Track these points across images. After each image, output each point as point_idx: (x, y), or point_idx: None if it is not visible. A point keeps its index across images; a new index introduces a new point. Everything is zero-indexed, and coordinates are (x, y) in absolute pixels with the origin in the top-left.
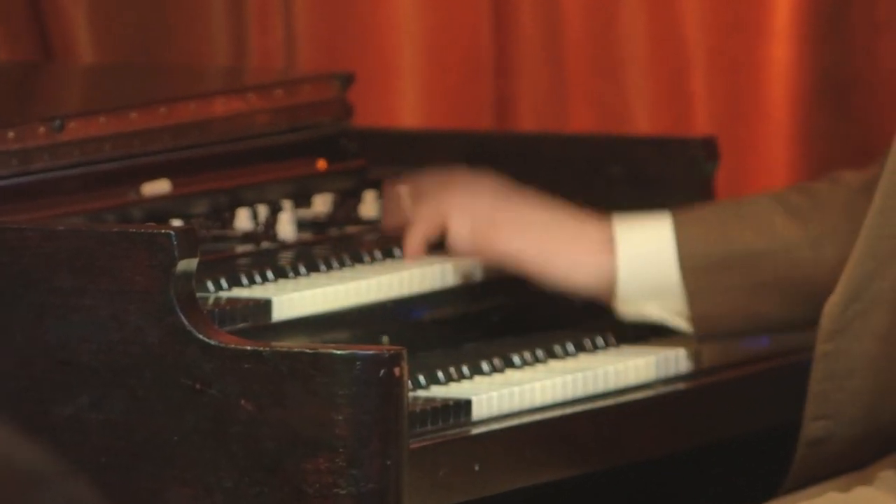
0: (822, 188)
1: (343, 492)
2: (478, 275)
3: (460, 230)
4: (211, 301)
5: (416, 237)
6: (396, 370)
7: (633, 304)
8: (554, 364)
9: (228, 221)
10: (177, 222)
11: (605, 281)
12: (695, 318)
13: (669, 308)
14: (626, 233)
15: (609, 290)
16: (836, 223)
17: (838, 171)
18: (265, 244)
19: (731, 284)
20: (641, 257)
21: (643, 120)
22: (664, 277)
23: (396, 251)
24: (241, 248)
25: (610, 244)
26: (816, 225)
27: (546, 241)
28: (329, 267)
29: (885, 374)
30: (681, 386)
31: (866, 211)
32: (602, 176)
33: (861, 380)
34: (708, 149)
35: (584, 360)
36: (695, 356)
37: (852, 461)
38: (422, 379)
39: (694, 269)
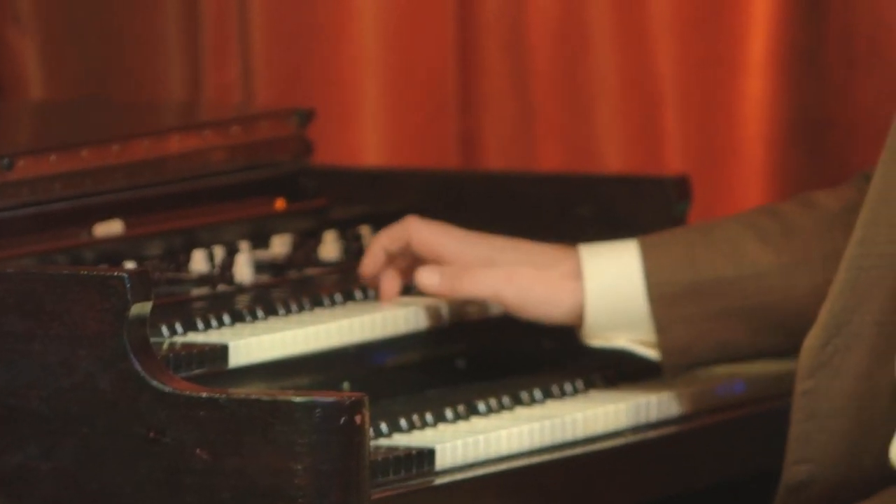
0: (794, 211)
1: None
2: (443, 318)
3: (431, 272)
4: (165, 346)
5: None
6: (357, 418)
7: (601, 333)
8: (521, 411)
9: (183, 263)
10: (130, 264)
11: (577, 311)
12: (663, 348)
13: (638, 338)
14: (592, 262)
15: (578, 319)
16: (809, 250)
17: (810, 193)
18: (221, 287)
19: (699, 313)
20: (608, 287)
21: (614, 158)
22: (632, 307)
23: (357, 294)
24: (196, 292)
25: (577, 275)
26: (788, 252)
27: (518, 275)
28: (288, 311)
29: (867, 414)
30: (652, 434)
31: (839, 236)
32: (571, 216)
33: (843, 419)
34: (680, 188)
35: (551, 406)
36: (667, 403)
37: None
38: (384, 427)
39: (662, 298)
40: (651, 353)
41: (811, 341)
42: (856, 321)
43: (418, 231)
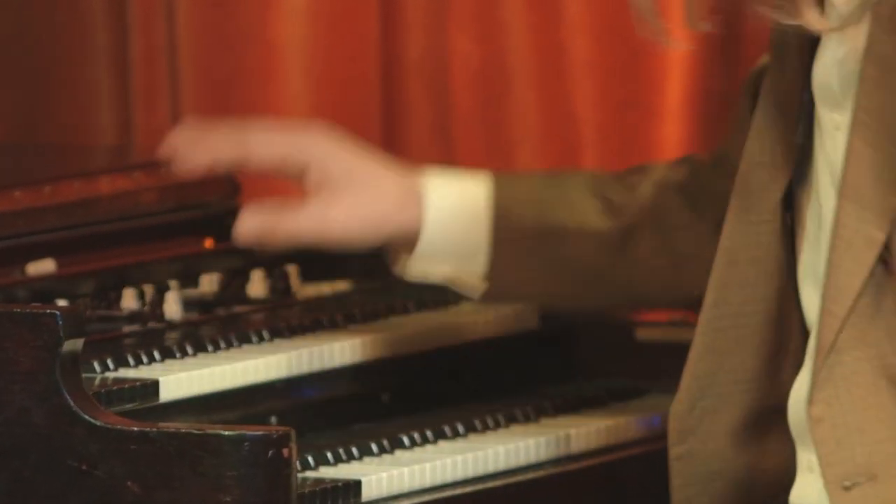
0: (639, 182)
1: None
2: (369, 354)
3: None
4: (97, 381)
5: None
6: (285, 451)
7: (429, 261)
8: (444, 444)
9: (115, 301)
10: (62, 302)
11: (405, 235)
12: (491, 281)
13: (466, 269)
14: (438, 188)
15: (406, 244)
16: (645, 223)
17: (649, 165)
18: (152, 324)
19: (536, 255)
20: (452, 216)
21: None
22: (471, 237)
23: (284, 331)
24: (127, 329)
25: (418, 197)
26: (627, 219)
27: (371, 197)
28: (217, 347)
29: (746, 474)
30: (572, 466)
31: (672, 207)
32: None
33: (723, 482)
34: None
35: (474, 440)
36: (585, 436)
37: None
38: (311, 460)
39: (505, 231)
40: (471, 284)
41: (677, 406)
42: (720, 381)
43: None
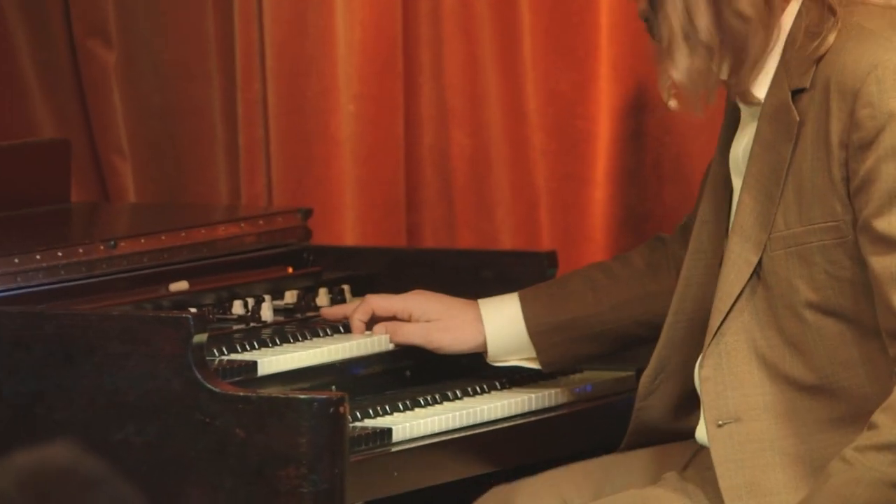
0: (616, 267)
1: (305, 491)
2: (391, 344)
3: (380, 327)
4: (216, 362)
5: (357, 318)
6: (341, 409)
7: (500, 358)
8: (447, 404)
9: (227, 309)
10: (193, 309)
11: (481, 345)
12: (542, 363)
13: (525, 358)
14: (488, 311)
15: (483, 349)
16: (626, 294)
17: (625, 253)
18: (252, 324)
19: (561, 339)
20: (500, 327)
21: (507, 241)
22: (517, 340)
23: (340, 329)
24: (236, 327)
25: (479, 320)
26: (614, 296)
27: (433, 329)
28: (296, 339)
29: (680, 413)
30: (532, 419)
31: (647, 282)
32: (479, 278)
33: (664, 421)
34: (550, 259)
35: (467, 401)
36: (541, 399)
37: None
38: (358, 414)
39: (537, 332)
40: (534, 366)
41: (645, 377)
42: (672, 363)
43: (376, 302)
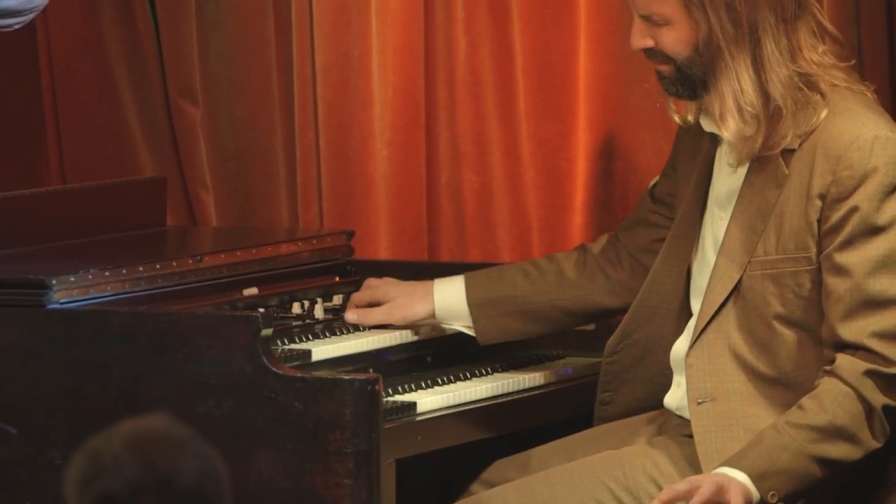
0: (544, 262)
1: (349, 451)
2: (420, 335)
3: (350, 312)
4: (279, 351)
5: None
6: (377, 387)
7: (447, 322)
8: (459, 383)
9: (288, 309)
10: (261, 310)
11: (430, 312)
12: (476, 331)
13: (465, 326)
14: (438, 286)
15: (433, 317)
16: (549, 283)
17: (555, 254)
18: (307, 321)
19: (493, 312)
20: (447, 298)
21: (507, 256)
22: (460, 309)
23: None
24: (295, 323)
25: (430, 294)
26: (542, 282)
27: (396, 307)
28: (341, 333)
29: (638, 375)
30: (525, 395)
31: (563, 276)
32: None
33: (629, 380)
34: None
35: (474, 381)
36: (531, 379)
37: (623, 423)
38: (390, 391)
39: (474, 304)
40: (471, 332)
41: (611, 341)
42: (635, 335)
43: (357, 296)
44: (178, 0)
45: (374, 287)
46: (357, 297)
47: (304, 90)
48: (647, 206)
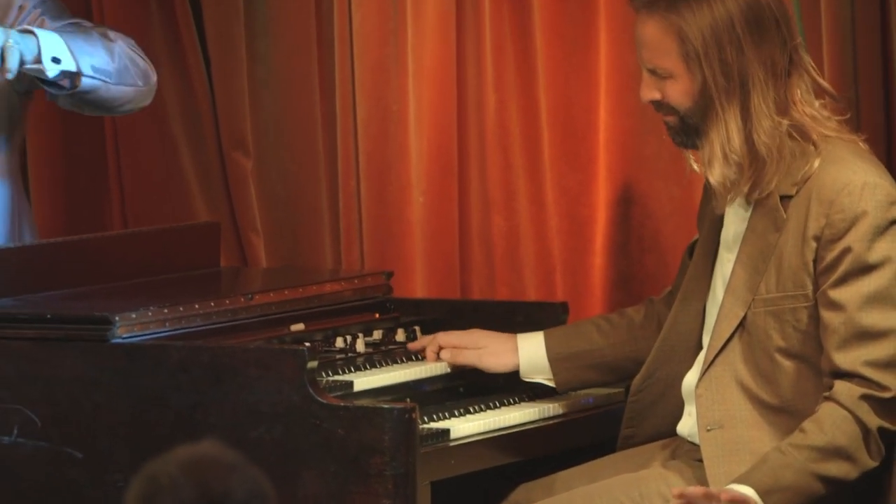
0: (616, 318)
1: (388, 473)
2: (450, 368)
3: (444, 353)
4: (323, 381)
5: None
6: (413, 415)
7: (529, 376)
8: (489, 412)
9: (332, 343)
10: (307, 344)
11: (516, 366)
12: (556, 383)
13: (546, 378)
14: (522, 343)
15: (517, 369)
16: (622, 338)
17: (624, 309)
18: (350, 354)
19: (572, 366)
20: (529, 355)
21: (533, 294)
22: (541, 364)
23: (414, 358)
24: (338, 356)
25: (516, 349)
26: (612, 338)
27: (484, 355)
28: (381, 365)
29: (659, 410)
30: (551, 422)
31: (637, 334)
32: (512, 322)
33: (648, 413)
34: (563, 308)
35: (503, 409)
36: (555, 408)
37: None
38: (425, 418)
39: (554, 359)
40: (552, 385)
41: (637, 380)
42: (658, 374)
43: (443, 338)
44: (230, 59)
45: (459, 334)
46: (444, 339)
47: (347, 142)
48: (687, 262)
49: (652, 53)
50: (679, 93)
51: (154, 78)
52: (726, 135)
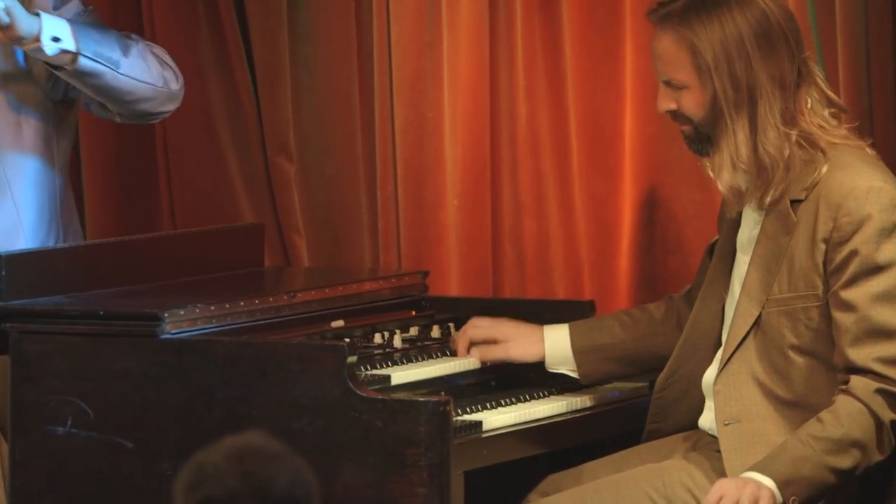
0: (638, 313)
1: (423, 463)
2: (486, 363)
3: (473, 349)
4: (362, 376)
5: (461, 345)
6: (448, 408)
7: (554, 367)
8: (520, 405)
9: (370, 339)
10: (347, 340)
11: (542, 357)
12: (580, 374)
13: (570, 369)
14: (548, 334)
15: (543, 360)
16: (644, 332)
17: (646, 305)
18: (387, 349)
19: (595, 358)
20: (555, 346)
21: (562, 293)
22: (566, 355)
23: (447, 353)
24: (376, 352)
25: (542, 340)
26: (635, 332)
27: (511, 347)
28: (417, 360)
29: (682, 406)
30: (578, 415)
31: (658, 329)
32: (542, 320)
33: (674, 412)
34: (591, 306)
35: (533, 403)
36: (583, 401)
37: (663, 441)
38: (458, 411)
39: (578, 351)
40: (576, 376)
41: (661, 378)
42: (680, 371)
43: (473, 332)
44: (275, 69)
45: (486, 326)
46: (474, 334)
47: (385, 148)
48: (707, 262)
49: (667, 66)
50: (692, 103)
51: (177, 86)
52: (735, 144)
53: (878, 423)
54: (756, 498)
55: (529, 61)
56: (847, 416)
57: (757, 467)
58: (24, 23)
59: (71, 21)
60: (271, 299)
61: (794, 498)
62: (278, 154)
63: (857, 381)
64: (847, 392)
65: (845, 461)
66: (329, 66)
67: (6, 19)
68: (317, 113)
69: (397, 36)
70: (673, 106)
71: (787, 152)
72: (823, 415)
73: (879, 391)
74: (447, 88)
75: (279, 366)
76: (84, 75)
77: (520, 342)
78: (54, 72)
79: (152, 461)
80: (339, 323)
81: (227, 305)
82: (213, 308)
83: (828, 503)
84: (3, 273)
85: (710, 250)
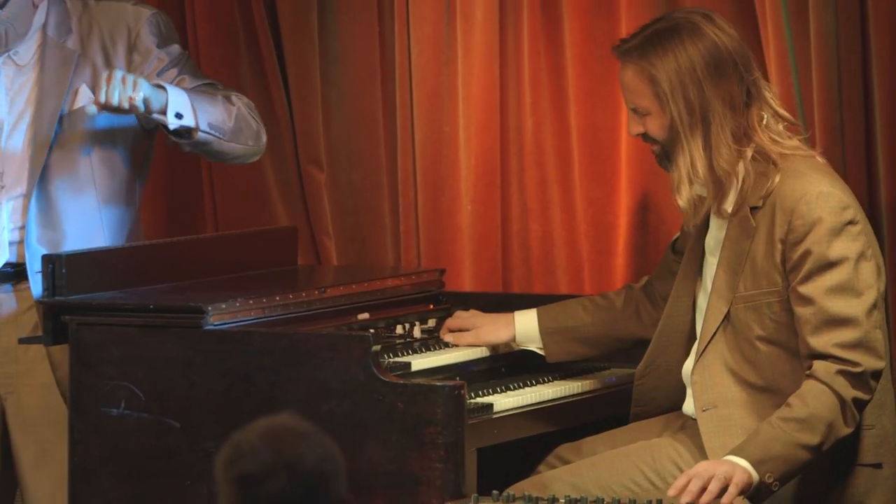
0: (599, 298)
1: (440, 441)
2: (496, 351)
3: (449, 335)
4: (386, 362)
5: (441, 332)
6: (462, 391)
7: (523, 344)
8: (527, 388)
9: (392, 330)
10: (372, 330)
11: (511, 336)
12: (546, 352)
13: (538, 347)
14: (518, 317)
15: (513, 339)
16: (603, 316)
17: (607, 292)
18: (408, 339)
19: (560, 339)
20: (524, 327)
21: (564, 289)
22: (533, 335)
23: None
24: (398, 341)
25: (512, 322)
26: (597, 316)
27: (482, 332)
28: (435, 349)
29: (662, 393)
30: (577, 398)
31: (617, 316)
32: (519, 304)
33: (656, 397)
34: None
35: (539, 387)
36: (583, 385)
37: (653, 421)
38: (472, 394)
39: (545, 332)
40: (542, 353)
41: (639, 369)
42: (659, 360)
43: (451, 322)
44: (307, 88)
45: (464, 317)
46: (451, 323)
47: (406, 159)
48: (670, 257)
49: (632, 95)
50: (656, 127)
51: (264, 139)
52: (690, 162)
53: (842, 400)
54: (730, 475)
55: (535, 81)
56: (812, 397)
57: (734, 451)
58: (157, 103)
59: (188, 93)
60: (304, 294)
61: (769, 474)
62: (310, 164)
63: (819, 366)
64: (811, 376)
65: (814, 438)
66: (356, 85)
67: (142, 108)
68: (345, 127)
69: (417, 58)
70: (641, 130)
71: (738, 166)
72: (791, 399)
73: (840, 372)
74: (462, 105)
75: (311, 354)
76: (198, 144)
77: (489, 328)
78: (169, 137)
79: (197, 440)
80: (365, 315)
81: (264, 300)
82: (251, 302)
83: (802, 478)
84: (64, 271)
85: (672, 246)
